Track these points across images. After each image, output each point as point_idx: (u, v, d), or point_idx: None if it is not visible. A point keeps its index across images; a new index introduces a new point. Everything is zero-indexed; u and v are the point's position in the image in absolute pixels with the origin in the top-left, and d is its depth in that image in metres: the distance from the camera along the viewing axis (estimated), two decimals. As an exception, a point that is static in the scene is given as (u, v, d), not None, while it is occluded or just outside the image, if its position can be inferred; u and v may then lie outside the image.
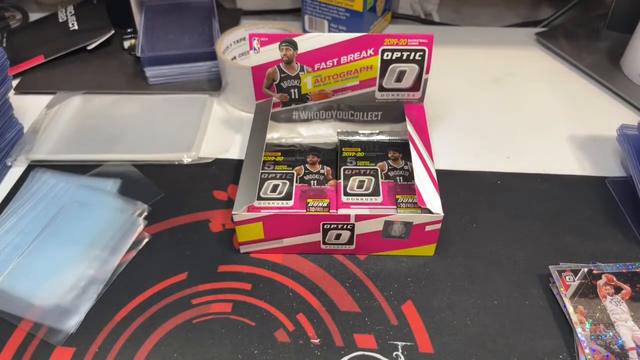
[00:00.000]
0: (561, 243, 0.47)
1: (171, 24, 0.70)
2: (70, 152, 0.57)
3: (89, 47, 0.71)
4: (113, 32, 0.72)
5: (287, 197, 0.46)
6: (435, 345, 0.40)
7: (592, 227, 0.49)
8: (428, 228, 0.44)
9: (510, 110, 0.62)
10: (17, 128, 0.58)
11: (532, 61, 0.70)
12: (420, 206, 0.43)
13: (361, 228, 0.44)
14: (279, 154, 0.51)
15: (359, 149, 0.51)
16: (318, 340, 0.41)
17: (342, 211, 0.45)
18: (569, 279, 0.43)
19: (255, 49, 0.50)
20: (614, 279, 0.43)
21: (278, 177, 0.48)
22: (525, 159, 0.56)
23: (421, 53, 0.50)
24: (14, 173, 0.55)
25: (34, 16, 0.81)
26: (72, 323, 0.42)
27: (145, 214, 0.50)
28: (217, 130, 0.61)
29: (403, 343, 0.41)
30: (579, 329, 0.40)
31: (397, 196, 0.46)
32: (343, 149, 0.51)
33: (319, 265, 0.46)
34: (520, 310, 0.43)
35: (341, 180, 0.48)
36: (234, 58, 0.65)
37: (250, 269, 0.46)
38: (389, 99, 0.53)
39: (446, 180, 0.53)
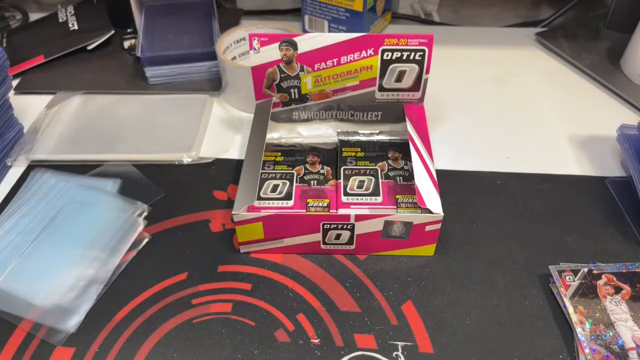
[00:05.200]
0: (561, 243, 0.47)
1: (171, 24, 0.70)
2: (70, 152, 0.57)
3: (89, 47, 0.71)
4: (113, 32, 0.72)
5: (287, 197, 0.46)
6: (435, 345, 0.40)
7: (592, 227, 0.49)
8: (428, 228, 0.44)
9: (510, 110, 0.62)
10: (17, 128, 0.58)
11: (532, 61, 0.70)
12: (420, 206, 0.43)
13: (361, 228, 0.44)
14: (279, 154, 0.51)
15: (359, 149, 0.51)
16: (318, 340, 0.41)
17: (342, 211, 0.45)
18: (569, 279, 0.43)
19: (255, 49, 0.50)
20: (614, 279, 0.43)
21: (278, 177, 0.48)
22: (525, 159, 0.56)
23: (421, 53, 0.50)
24: (14, 173, 0.55)
25: (34, 16, 0.81)
26: (72, 323, 0.42)
27: (145, 214, 0.50)
28: (217, 130, 0.61)
29: (403, 343, 0.41)
30: (579, 329, 0.40)
31: (397, 196, 0.46)
32: (343, 149, 0.51)
33: (319, 265, 0.46)
34: (520, 310, 0.43)
35: (341, 180, 0.48)
36: (234, 58, 0.65)
37: (250, 269, 0.46)
38: (389, 99, 0.53)
39: (446, 180, 0.53)
